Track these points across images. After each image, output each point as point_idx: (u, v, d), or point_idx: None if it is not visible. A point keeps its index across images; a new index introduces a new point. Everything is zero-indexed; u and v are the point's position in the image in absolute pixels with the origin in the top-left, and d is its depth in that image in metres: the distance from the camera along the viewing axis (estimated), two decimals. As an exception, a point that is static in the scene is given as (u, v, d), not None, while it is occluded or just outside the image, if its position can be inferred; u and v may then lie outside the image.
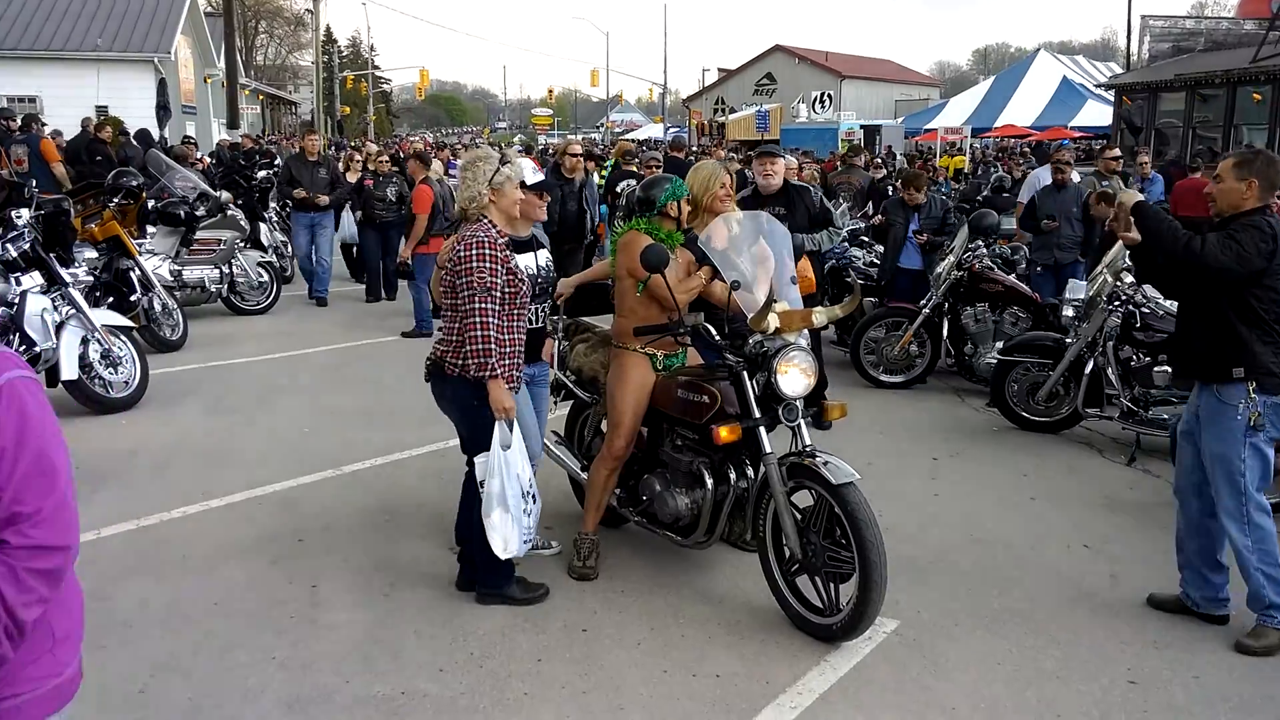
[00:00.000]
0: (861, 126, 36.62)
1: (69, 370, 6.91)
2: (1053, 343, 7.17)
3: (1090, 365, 6.82)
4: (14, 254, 6.98)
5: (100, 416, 7.14)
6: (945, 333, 8.38)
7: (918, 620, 4.38)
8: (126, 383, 7.41)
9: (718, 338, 4.41)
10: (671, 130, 55.21)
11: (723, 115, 48.64)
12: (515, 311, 4.24)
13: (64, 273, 7.12)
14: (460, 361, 4.14)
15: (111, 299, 8.80)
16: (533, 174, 4.60)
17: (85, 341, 7.12)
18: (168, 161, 11.45)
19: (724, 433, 4.19)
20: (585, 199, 9.77)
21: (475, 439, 4.24)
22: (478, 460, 4.19)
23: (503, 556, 4.25)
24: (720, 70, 57.70)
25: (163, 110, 20.22)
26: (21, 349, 6.76)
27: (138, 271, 9.09)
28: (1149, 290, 6.76)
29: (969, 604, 4.55)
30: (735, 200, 5.18)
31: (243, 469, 6.13)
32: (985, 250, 8.33)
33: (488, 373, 4.08)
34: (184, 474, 6.05)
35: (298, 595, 4.48)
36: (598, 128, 73.19)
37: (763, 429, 4.26)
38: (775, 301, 4.28)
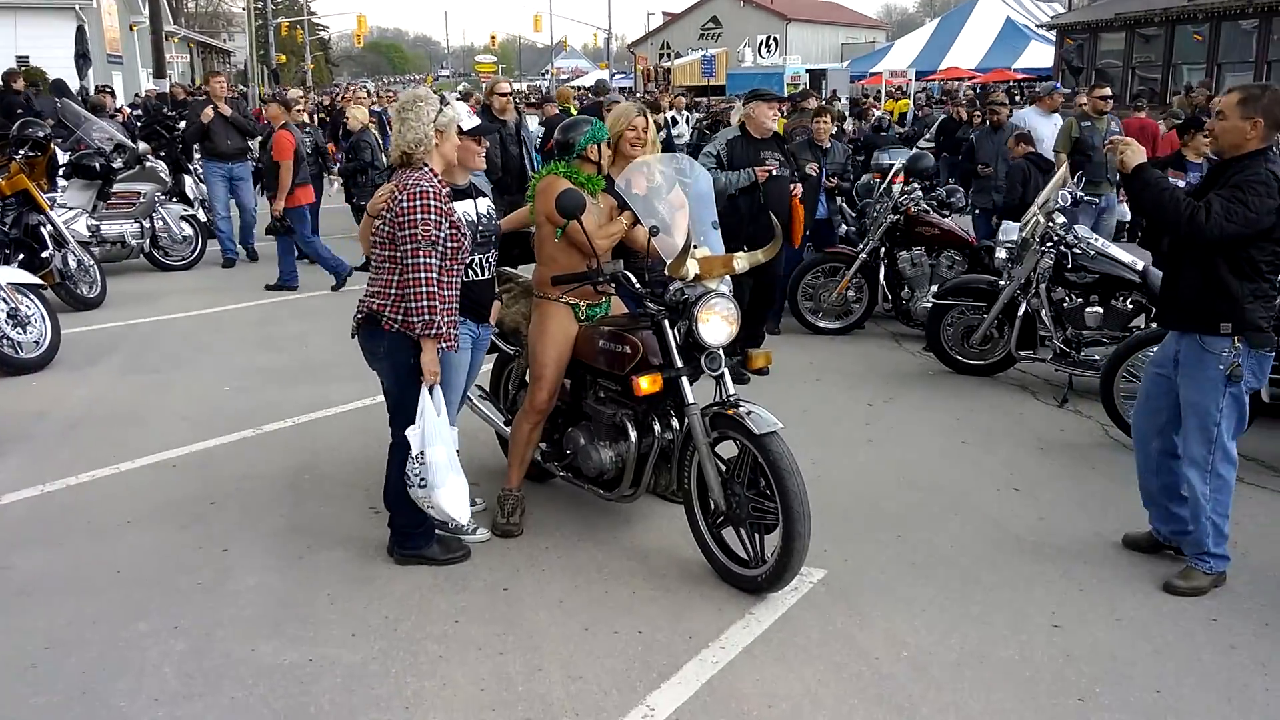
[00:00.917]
0: (807, 71, 36.29)
1: (-27, 331, 6.61)
2: (987, 285, 7.12)
3: (1023, 308, 6.79)
4: (-91, 210, 6.65)
5: (8, 378, 6.86)
6: (882, 277, 8.31)
7: (845, 569, 4.32)
8: (37, 342, 7.12)
9: (637, 285, 4.26)
10: (616, 76, 54.60)
11: (668, 60, 48.04)
12: (454, 266, 4.06)
13: (-35, 230, 6.79)
14: (399, 316, 3.96)
15: (21, 256, 8.47)
16: (469, 118, 4.37)
17: (-10, 300, 6.82)
18: (82, 112, 10.99)
19: (644, 383, 4.07)
20: (524, 142, 9.40)
21: (404, 399, 4.06)
22: (410, 433, 4.00)
23: (463, 522, 4.15)
24: (665, 14, 56.89)
25: (82, 59, 19.42)
26: (-80, 308, 6.47)
27: (49, 227, 8.73)
28: (1080, 230, 6.73)
29: (897, 551, 4.50)
30: (657, 145, 5.02)
31: (157, 431, 5.91)
32: (921, 193, 8.23)
33: (433, 331, 3.91)
34: (95, 437, 5.83)
35: (206, 561, 4.31)
36: (542, 74, 72.06)
37: (685, 379, 4.14)
38: (696, 247, 4.14)
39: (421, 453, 3.97)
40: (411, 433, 3.99)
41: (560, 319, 4.59)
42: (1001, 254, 6.95)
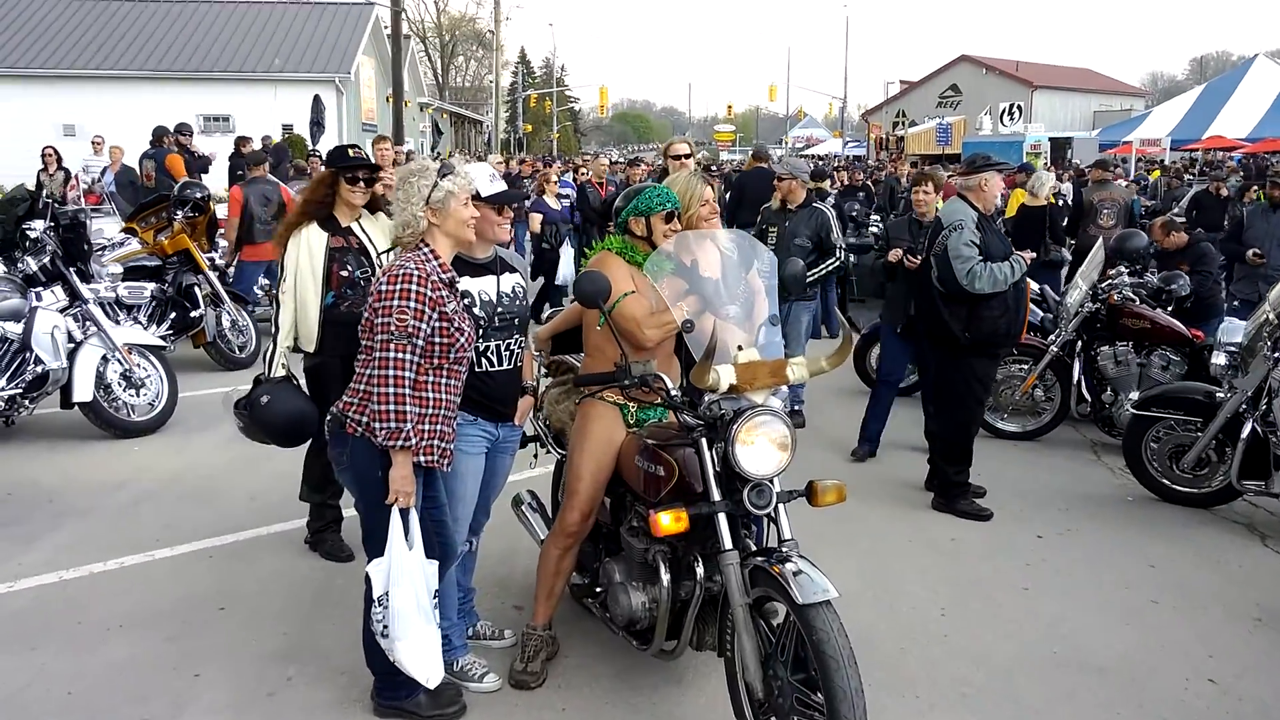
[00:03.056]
0: (1050, 139, 33.98)
1: (82, 391, 6.49)
2: (1203, 396, 5.72)
3: (1249, 427, 5.36)
4: (34, 267, 6.66)
5: (115, 441, 6.70)
6: (1077, 375, 6.97)
7: (938, 785, 3.21)
8: (151, 405, 6.95)
9: (673, 392, 3.38)
10: (850, 144, 53.46)
11: (902, 128, 46.58)
12: (448, 366, 3.35)
13: (84, 288, 6.73)
14: (363, 418, 3.27)
15: (174, 315, 8.50)
16: (490, 182, 3.68)
17: (105, 360, 6.70)
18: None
19: (664, 520, 3.17)
20: None
21: (376, 524, 3.34)
22: (374, 569, 3.29)
23: (430, 685, 3.38)
24: (903, 82, 55.43)
25: (316, 126, 20.47)
26: (36, 368, 6.40)
27: (205, 287, 8.75)
28: (1331, 334, 5.26)
29: (1018, 764, 3.34)
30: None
31: (219, 512, 5.48)
32: (1129, 279, 6.86)
33: (399, 441, 3.20)
34: (157, 514, 5.46)
35: (170, 687, 3.71)
36: (778, 143, 71.85)
37: (722, 517, 3.20)
38: (741, 349, 3.23)
39: (386, 594, 3.23)
40: (375, 569, 3.26)
41: (604, 422, 3.77)
42: (1220, 359, 5.57)
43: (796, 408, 7.49)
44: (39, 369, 6.35)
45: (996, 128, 39.45)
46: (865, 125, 54.05)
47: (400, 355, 3.21)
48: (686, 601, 3.45)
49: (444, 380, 3.36)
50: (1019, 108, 41.72)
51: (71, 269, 6.70)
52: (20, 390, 6.38)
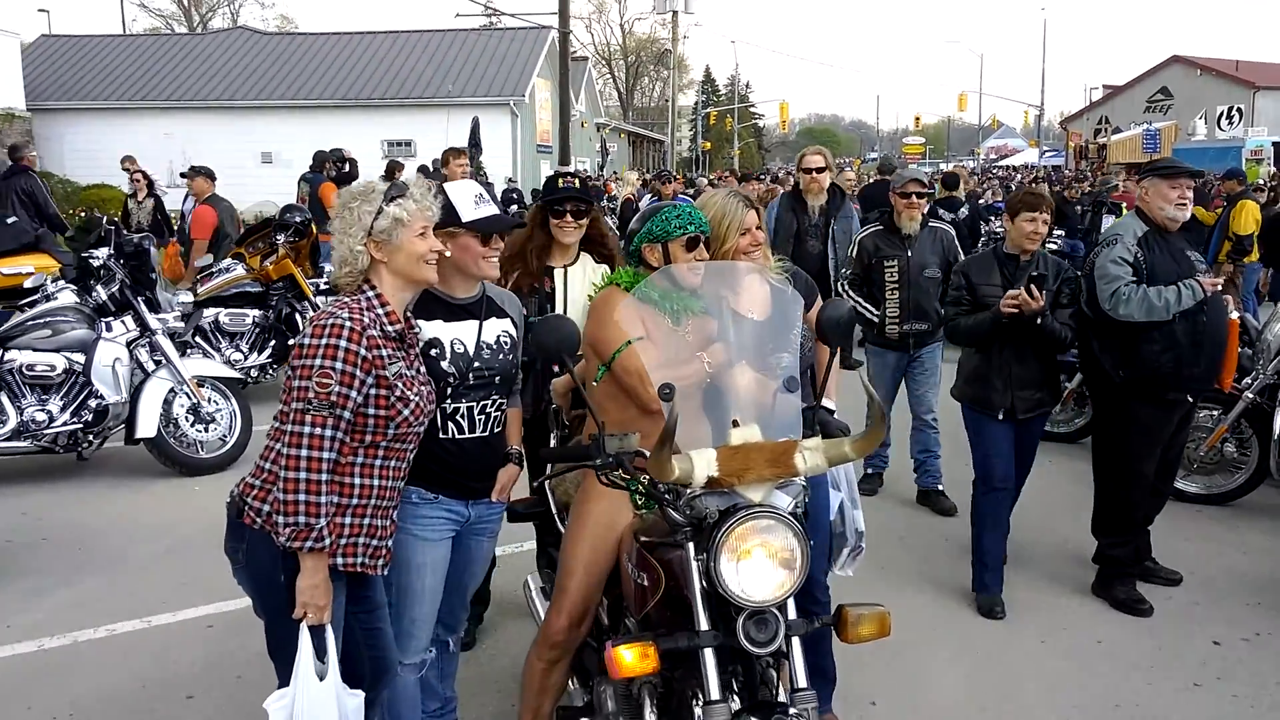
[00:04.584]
0: (1275, 143, 30.72)
1: (145, 427, 6.15)
2: None
3: None
4: (103, 296, 6.39)
5: (180, 480, 6.33)
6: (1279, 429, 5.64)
7: None
8: (222, 440, 6.56)
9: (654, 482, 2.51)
10: (1047, 154, 50.32)
11: (1105, 136, 43.40)
12: (385, 444, 2.64)
13: (152, 318, 6.41)
14: (265, 507, 2.57)
15: (274, 342, 8.21)
16: (474, 205, 2.94)
17: (173, 394, 6.36)
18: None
19: (625, 658, 2.31)
20: (833, 237, 6.65)
21: (281, 641, 2.62)
22: (271, 706, 2.57)
23: None
24: (1106, 87, 51.84)
25: (474, 149, 20.59)
26: (97, 402, 6.11)
27: (309, 312, 8.42)
28: None
29: None
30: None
31: (247, 568, 4.95)
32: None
33: (308, 542, 2.48)
34: (181, 569, 4.97)
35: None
36: (970, 154, 68.56)
37: (709, 654, 2.32)
38: (736, 424, 2.34)
39: (282, 733, 2.52)
40: (273, 707, 2.54)
41: (604, 503, 2.96)
42: None
43: (871, 471, 6.05)
44: (99, 403, 6.05)
45: (1213, 132, 36.17)
46: (1064, 133, 50.83)
47: (317, 431, 2.49)
48: (684, 749, 2.59)
49: (377, 462, 2.64)
50: (1239, 110, 38.08)
51: (140, 298, 6.39)
52: (81, 425, 6.10)
